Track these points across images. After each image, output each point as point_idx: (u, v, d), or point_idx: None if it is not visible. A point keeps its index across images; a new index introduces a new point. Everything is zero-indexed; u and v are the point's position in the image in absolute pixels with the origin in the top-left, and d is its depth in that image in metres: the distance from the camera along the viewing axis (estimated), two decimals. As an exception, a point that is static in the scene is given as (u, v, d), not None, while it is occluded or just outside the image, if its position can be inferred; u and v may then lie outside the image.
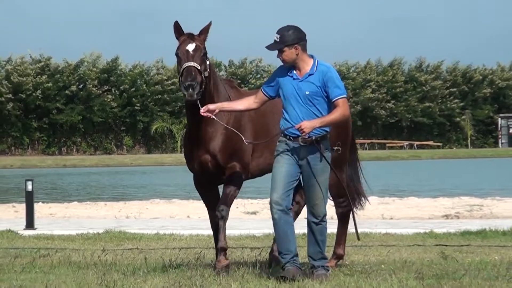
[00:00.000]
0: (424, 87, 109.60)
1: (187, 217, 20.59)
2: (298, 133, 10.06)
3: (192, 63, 10.60)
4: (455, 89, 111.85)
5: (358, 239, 11.53)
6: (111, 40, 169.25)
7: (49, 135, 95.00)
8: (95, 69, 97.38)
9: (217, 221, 10.98)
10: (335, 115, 10.09)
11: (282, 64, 10.45)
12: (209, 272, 10.70)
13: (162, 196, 26.80)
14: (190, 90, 10.38)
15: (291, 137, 10.14)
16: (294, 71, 10.23)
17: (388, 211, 21.48)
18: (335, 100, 10.09)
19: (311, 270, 10.25)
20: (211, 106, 10.46)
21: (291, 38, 10.14)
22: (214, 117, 10.44)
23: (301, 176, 10.34)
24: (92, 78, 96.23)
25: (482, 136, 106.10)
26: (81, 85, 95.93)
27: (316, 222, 10.21)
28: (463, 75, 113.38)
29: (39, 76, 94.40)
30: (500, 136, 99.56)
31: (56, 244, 14.77)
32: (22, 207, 19.78)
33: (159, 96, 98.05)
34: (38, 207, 20.01)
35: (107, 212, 22.31)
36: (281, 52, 10.16)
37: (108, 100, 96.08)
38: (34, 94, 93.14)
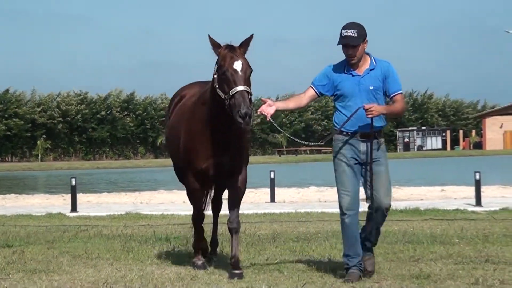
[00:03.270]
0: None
1: (183, 202, 20.48)
2: (357, 129, 7.63)
3: (244, 87, 7.48)
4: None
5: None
6: (130, 80, 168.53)
7: (87, 147, 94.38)
8: (118, 100, 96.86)
9: (231, 233, 8.12)
10: (397, 107, 7.71)
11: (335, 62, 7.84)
12: None
13: (166, 188, 26.69)
14: (247, 118, 7.30)
15: (349, 133, 7.66)
16: (351, 69, 7.66)
17: (323, 196, 21.51)
18: (395, 95, 7.70)
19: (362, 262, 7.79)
20: (270, 109, 7.66)
21: (364, 32, 7.61)
22: (270, 118, 7.65)
23: (364, 172, 7.80)
24: (116, 106, 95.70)
25: (387, 144, 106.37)
26: (109, 111, 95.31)
27: (383, 211, 7.84)
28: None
29: (79, 105, 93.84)
30: (398, 144, 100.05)
31: (92, 222, 14.70)
32: (68, 197, 19.68)
33: (163, 118, 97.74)
34: (79, 196, 19.92)
35: (127, 200, 22.21)
36: (356, 47, 7.55)
37: (128, 121, 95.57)
38: (76, 117, 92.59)
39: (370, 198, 7.85)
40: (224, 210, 8.79)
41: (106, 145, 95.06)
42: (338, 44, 7.60)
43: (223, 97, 7.55)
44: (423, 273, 7.92)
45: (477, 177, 17.21)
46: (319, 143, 8.81)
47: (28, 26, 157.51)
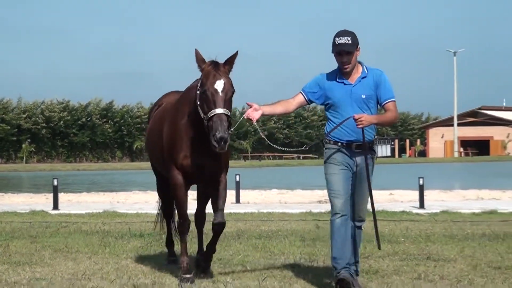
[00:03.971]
0: (306, 120, 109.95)
1: (156, 202, 20.40)
2: (351, 139, 6.85)
3: (223, 111, 6.76)
4: (325, 122, 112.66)
5: (379, 248, 7.35)
6: (109, 89, 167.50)
7: (68, 150, 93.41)
8: (98, 108, 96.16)
9: (214, 232, 7.50)
10: (389, 116, 6.88)
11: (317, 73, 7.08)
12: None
13: (140, 189, 26.53)
14: (222, 143, 6.64)
15: (344, 144, 6.87)
16: (343, 77, 6.87)
17: (284, 198, 21.54)
18: (387, 103, 6.87)
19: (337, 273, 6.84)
20: (256, 114, 6.87)
21: (357, 40, 6.81)
22: (255, 123, 6.86)
23: (353, 181, 6.98)
24: (96, 113, 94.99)
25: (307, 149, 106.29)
26: (89, 118, 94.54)
27: (360, 226, 7.06)
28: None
29: (62, 112, 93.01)
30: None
31: (72, 219, 14.56)
32: (50, 196, 19.49)
33: (138, 125, 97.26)
34: (61, 196, 19.71)
35: (104, 199, 22.02)
36: (351, 54, 6.76)
37: (106, 127, 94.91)
38: (58, 123, 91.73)
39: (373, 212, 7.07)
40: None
41: (86, 149, 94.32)
42: (332, 52, 6.80)
43: (202, 117, 6.89)
44: (372, 268, 7.97)
45: (421, 182, 17.38)
46: (302, 149, 7.99)
47: (14, 38, 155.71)
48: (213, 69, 6.93)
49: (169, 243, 8.86)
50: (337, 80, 6.87)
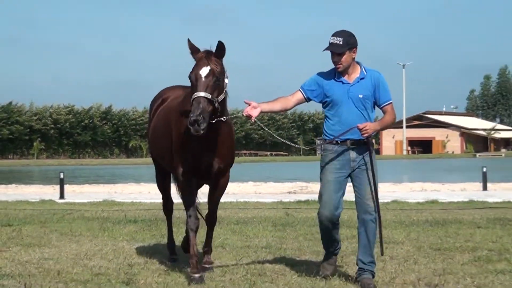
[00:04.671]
0: (278, 123, 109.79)
1: (148, 192, 20.34)
2: (348, 137, 6.01)
3: (203, 94, 5.78)
4: (294, 124, 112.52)
5: (382, 254, 6.36)
6: (108, 95, 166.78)
7: (73, 148, 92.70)
8: (98, 111, 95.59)
9: (208, 226, 6.87)
10: (388, 119, 6.08)
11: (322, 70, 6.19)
12: (162, 224, 10.42)
13: (135, 181, 26.42)
14: (196, 126, 5.68)
15: (338, 142, 6.01)
16: (342, 76, 6.03)
17: (258, 189, 21.56)
18: (386, 105, 6.06)
19: (358, 273, 6.07)
20: (254, 112, 6.04)
21: (352, 41, 5.93)
22: (256, 119, 6.07)
23: (352, 179, 6.16)
24: (97, 116, 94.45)
25: (308, 149, 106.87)
26: (91, 120, 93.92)
27: (371, 218, 6.02)
28: (299, 116, 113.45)
29: (68, 115, 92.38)
30: (318, 150, 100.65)
31: (76, 207, 14.47)
32: (57, 187, 19.37)
33: (133, 126, 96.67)
34: (66, 187, 19.59)
35: (104, 190, 21.93)
36: (341, 55, 5.92)
37: (106, 128, 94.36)
38: (65, 125, 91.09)
39: (376, 209, 6.09)
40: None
41: (88, 147, 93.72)
42: (323, 50, 5.96)
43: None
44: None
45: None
46: (306, 148, 7.02)
47: (27, 51, 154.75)
48: (204, 56, 5.95)
49: (170, 242, 7.52)
50: (336, 79, 6.03)
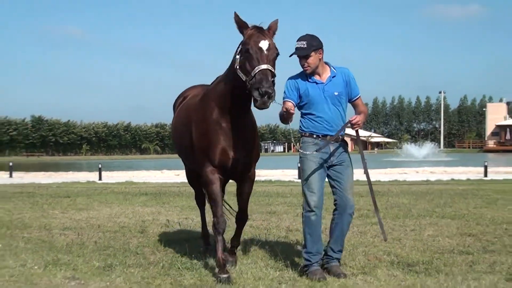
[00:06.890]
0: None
1: (155, 176, 19.39)
2: (327, 132, 4.34)
3: (268, 66, 3.82)
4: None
5: (385, 239, 4.63)
6: (129, 115, 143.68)
7: (107, 149, 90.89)
8: (122, 126, 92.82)
9: (237, 224, 4.64)
10: (365, 110, 4.50)
11: (291, 76, 4.47)
12: (163, 196, 10.32)
13: (145, 169, 25.12)
14: (266, 97, 3.68)
15: (319, 136, 4.35)
16: (314, 77, 4.43)
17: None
18: (357, 99, 4.47)
19: (326, 260, 4.41)
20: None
21: (316, 43, 4.32)
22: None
23: (330, 173, 4.40)
24: (121, 129, 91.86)
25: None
26: (117, 132, 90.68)
27: (350, 212, 4.32)
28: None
29: (103, 128, 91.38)
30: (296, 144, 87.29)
31: (109, 186, 14.23)
32: (97, 173, 19.17)
33: (145, 135, 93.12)
34: (103, 173, 19.24)
35: (125, 175, 20.49)
36: (307, 57, 4.32)
37: (127, 136, 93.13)
38: (101, 134, 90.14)
39: (374, 203, 4.47)
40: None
41: (116, 148, 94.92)
42: (290, 56, 4.35)
43: (244, 79, 3.98)
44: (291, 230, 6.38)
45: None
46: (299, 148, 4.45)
47: (74, 86, 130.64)
48: (257, 31, 4.06)
49: (205, 232, 5.34)
50: (309, 80, 4.46)
